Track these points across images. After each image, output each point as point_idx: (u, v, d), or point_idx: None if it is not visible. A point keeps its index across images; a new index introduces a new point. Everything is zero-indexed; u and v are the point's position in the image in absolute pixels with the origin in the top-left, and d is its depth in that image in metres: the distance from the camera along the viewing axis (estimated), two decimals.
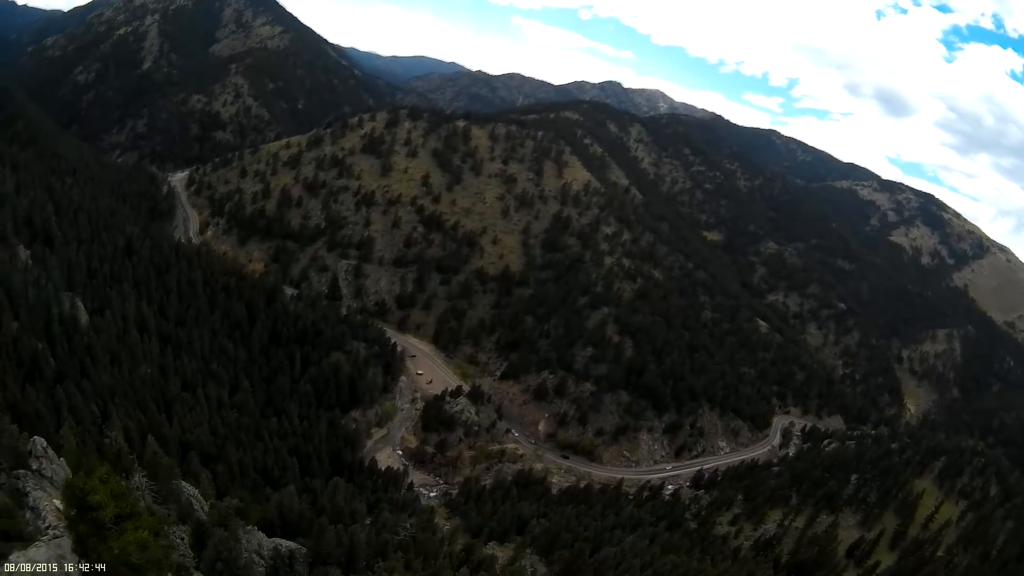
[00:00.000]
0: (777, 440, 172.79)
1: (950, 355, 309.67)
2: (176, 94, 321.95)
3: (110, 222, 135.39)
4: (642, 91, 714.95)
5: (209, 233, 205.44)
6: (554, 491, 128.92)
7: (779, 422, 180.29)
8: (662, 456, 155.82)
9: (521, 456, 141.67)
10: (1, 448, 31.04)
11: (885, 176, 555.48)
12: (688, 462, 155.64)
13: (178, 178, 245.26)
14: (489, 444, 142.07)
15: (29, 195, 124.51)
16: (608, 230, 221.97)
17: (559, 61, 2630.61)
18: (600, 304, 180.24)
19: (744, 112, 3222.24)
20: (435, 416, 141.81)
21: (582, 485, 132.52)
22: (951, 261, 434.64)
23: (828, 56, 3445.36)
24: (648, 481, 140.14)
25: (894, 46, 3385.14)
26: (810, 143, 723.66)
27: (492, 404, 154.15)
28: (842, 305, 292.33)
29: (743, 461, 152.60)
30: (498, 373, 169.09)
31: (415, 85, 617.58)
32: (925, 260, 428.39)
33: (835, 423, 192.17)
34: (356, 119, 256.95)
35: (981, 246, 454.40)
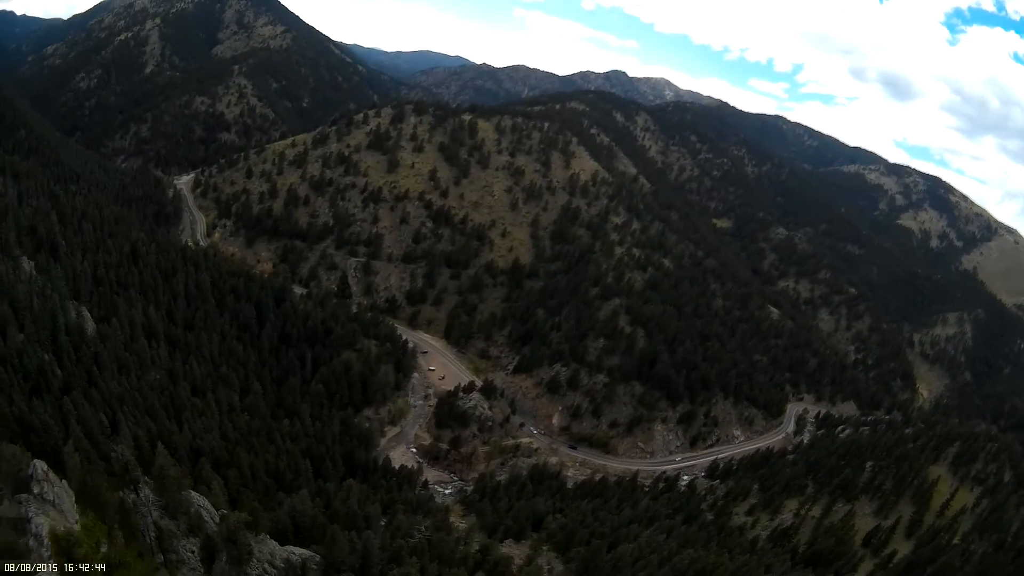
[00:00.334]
0: (791, 427, 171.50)
1: (961, 338, 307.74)
2: (179, 97, 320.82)
3: (115, 228, 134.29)
4: (647, 80, 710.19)
5: (216, 235, 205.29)
6: (569, 485, 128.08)
7: (793, 409, 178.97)
8: (677, 446, 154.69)
9: (536, 450, 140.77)
10: (1, 474, 30.31)
11: (892, 160, 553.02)
12: (703, 452, 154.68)
13: (184, 181, 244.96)
14: (503, 439, 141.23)
15: (32, 204, 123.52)
16: (617, 220, 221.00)
17: (563, 52, 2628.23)
18: (611, 295, 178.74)
19: (750, 98, 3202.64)
20: (448, 412, 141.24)
21: (597, 478, 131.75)
22: (959, 244, 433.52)
23: (832, 41, 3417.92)
24: (663, 472, 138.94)
25: (898, 30, 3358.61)
26: (817, 128, 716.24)
27: (505, 399, 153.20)
28: (852, 290, 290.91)
29: (758, 449, 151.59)
30: (510, 367, 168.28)
31: (420, 80, 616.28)
32: (934, 243, 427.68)
33: (848, 409, 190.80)
34: (361, 116, 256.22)
35: (989, 228, 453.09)
